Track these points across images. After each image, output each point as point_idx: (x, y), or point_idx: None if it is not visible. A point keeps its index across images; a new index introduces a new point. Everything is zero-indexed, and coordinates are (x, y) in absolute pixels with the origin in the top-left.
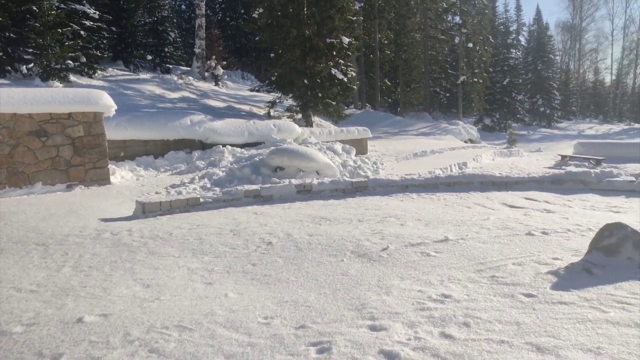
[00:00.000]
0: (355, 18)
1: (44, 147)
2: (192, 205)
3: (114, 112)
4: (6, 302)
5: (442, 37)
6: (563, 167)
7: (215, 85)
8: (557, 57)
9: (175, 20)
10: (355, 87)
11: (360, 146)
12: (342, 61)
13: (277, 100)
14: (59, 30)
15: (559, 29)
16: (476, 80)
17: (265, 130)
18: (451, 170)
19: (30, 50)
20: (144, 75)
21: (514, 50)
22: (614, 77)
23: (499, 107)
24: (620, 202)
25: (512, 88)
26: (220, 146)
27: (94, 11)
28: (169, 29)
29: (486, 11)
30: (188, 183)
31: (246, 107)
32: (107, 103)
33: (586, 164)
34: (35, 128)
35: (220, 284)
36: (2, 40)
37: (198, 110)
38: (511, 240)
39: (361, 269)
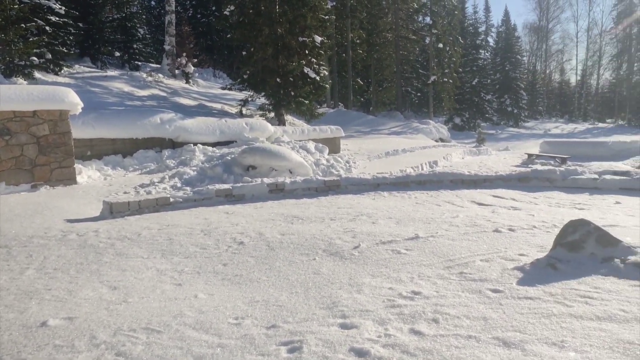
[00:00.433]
0: (327, 17)
1: (7, 146)
2: (161, 205)
3: (81, 110)
4: None
5: (413, 37)
6: (530, 166)
7: (186, 83)
8: (525, 58)
9: (144, 17)
10: (327, 86)
11: (333, 145)
12: (314, 60)
13: (250, 99)
14: (23, 25)
15: (527, 30)
16: (446, 80)
17: (237, 129)
18: (422, 169)
19: None
20: (112, 73)
21: (483, 51)
22: (578, 78)
23: (468, 107)
24: (584, 199)
25: (481, 88)
26: (192, 145)
27: (60, 6)
28: (138, 26)
29: (456, 12)
30: (158, 182)
31: (218, 106)
32: (73, 101)
33: (552, 162)
34: None
35: (190, 284)
36: None
37: (168, 109)
38: (479, 237)
39: (333, 268)
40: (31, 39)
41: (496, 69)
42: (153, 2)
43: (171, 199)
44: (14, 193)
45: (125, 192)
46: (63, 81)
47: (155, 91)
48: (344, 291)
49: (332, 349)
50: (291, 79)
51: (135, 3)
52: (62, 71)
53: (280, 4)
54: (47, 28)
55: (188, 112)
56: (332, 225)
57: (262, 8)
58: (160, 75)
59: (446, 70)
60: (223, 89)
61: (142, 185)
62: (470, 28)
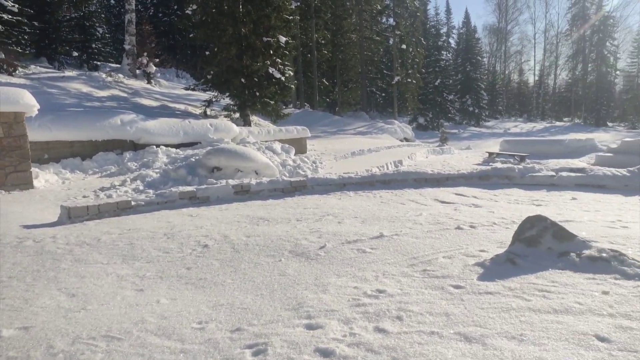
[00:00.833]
0: (291, 17)
1: None
2: (122, 208)
3: (37, 112)
4: None
5: (377, 38)
6: (490, 164)
7: (148, 83)
8: (485, 59)
9: (103, 16)
10: (293, 86)
11: (299, 145)
12: (279, 60)
13: (214, 99)
14: None
15: (486, 32)
16: (410, 80)
17: (201, 130)
18: (387, 169)
19: None
20: (69, 73)
21: (445, 52)
22: (536, 78)
23: (431, 107)
24: (542, 195)
25: (444, 88)
26: (154, 147)
27: (13, 4)
28: (97, 25)
29: (418, 14)
30: (119, 186)
31: (181, 106)
32: (28, 102)
33: (511, 160)
34: None
35: (152, 290)
36: None
37: (129, 110)
38: (442, 234)
39: (299, 268)
40: None
41: (458, 69)
42: (112, 1)
43: (133, 203)
44: None
45: (84, 196)
46: (18, 82)
47: (116, 92)
48: (310, 292)
49: (297, 350)
50: (256, 79)
51: (94, 2)
52: (17, 72)
53: (244, 4)
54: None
55: (150, 113)
56: (299, 226)
57: (226, 7)
58: (121, 75)
59: (410, 71)
60: (186, 89)
61: (102, 189)
62: (432, 30)
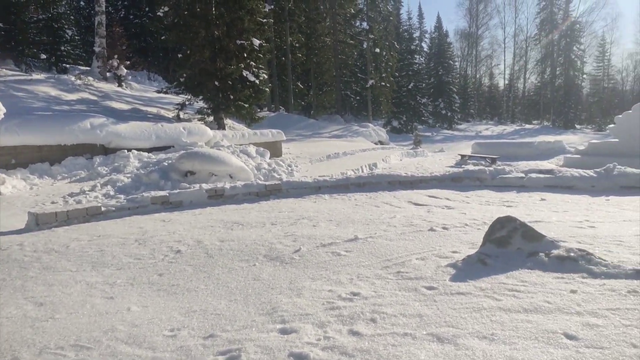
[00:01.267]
0: (265, 20)
1: None
2: (92, 214)
3: (3, 116)
4: None
5: (351, 41)
6: (462, 166)
7: (119, 86)
8: (457, 63)
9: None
10: (267, 89)
11: (274, 149)
12: (253, 63)
13: (187, 103)
14: None
15: (458, 36)
16: (384, 84)
17: (174, 134)
18: (362, 171)
19: None
20: (37, 76)
21: (418, 56)
22: (506, 82)
23: (405, 110)
24: (512, 196)
25: (417, 92)
26: (125, 151)
27: None
28: (66, 27)
29: (391, 18)
30: (89, 191)
31: (153, 110)
32: None
33: (483, 162)
34: None
35: (122, 297)
36: None
37: (99, 113)
38: (415, 236)
39: (273, 273)
40: None
41: (430, 73)
42: (82, 3)
43: (103, 208)
44: None
45: (53, 202)
46: None
47: (85, 95)
48: (284, 296)
49: (271, 355)
50: (230, 82)
51: (63, 3)
52: None
53: (217, 6)
54: None
55: (121, 116)
56: (273, 230)
57: (198, 10)
58: (91, 78)
59: (383, 75)
60: (159, 92)
61: (71, 195)
62: (405, 34)
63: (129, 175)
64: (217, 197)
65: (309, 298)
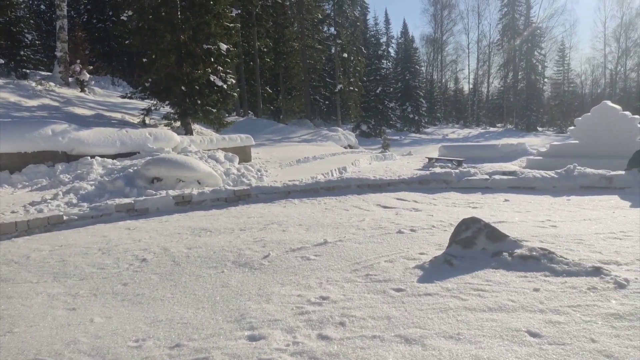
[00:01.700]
0: (232, 25)
1: None
2: (54, 223)
3: None
4: None
5: (319, 46)
6: (429, 169)
7: (81, 91)
8: (423, 68)
9: (32, 21)
10: (235, 94)
11: (243, 154)
12: (221, 68)
13: (153, 108)
14: None
15: (424, 42)
16: (352, 88)
17: (140, 140)
18: (332, 175)
19: None
20: None
21: (385, 61)
22: (471, 86)
23: (373, 114)
24: (477, 198)
25: (385, 96)
26: (89, 158)
27: None
28: (26, 31)
29: (358, 23)
30: (51, 199)
31: (118, 115)
32: None
33: (449, 165)
34: None
35: (85, 308)
36: None
37: (61, 119)
38: (384, 239)
39: (242, 279)
40: None
41: (397, 78)
42: (43, 6)
43: (65, 217)
44: None
45: (13, 212)
46: None
47: (47, 101)
48: (253, 302)
49: None
50: (197, 87)
51: (22, 6)
52: None
53: (183, 11)
54: None
55: (84, 122)
56: (242, 236)
57: (163, 14)
58: (52, 83)
59: (352, 79)
60: (123, 97)
61: (32, 204)
62: (372, 39)
63: (92, 182)
64: (185, 204)
65: (278, 304)
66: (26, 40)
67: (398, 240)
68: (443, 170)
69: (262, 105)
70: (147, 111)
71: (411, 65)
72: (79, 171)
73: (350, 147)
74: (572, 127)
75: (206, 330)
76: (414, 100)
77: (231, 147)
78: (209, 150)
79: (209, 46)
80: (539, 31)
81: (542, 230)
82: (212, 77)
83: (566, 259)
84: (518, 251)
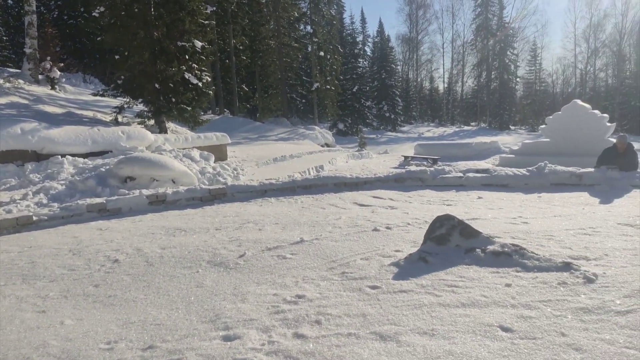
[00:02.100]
0: (207, 22)
1: None
2: (23, 224)
3: None
4: None
5: (296, 45)
6: (405, 167)
7: (52, 89)
8: (399, 67)
9: None
10: (211, 92)
11: (219, 152)
12: (195, 65)
13: (126, 106)
14: None
15: (399, 41)
16: (329, 87)
17: (112, 138)
18: (309, 174)
19: None
20: None
21: (361, 60)
22: (446, 85)
23: (350, 113)
24: (451, 195)
25: (361, 95)
26: (59, 157)
27: None
28: None
29: (334, 22)
30: (20, 200)
31: (89, 113)
32: None
33: (425, 163)
34: None
35: (55, 311)
36: None
37: (31, 118)
38: (360, 236)
39: (217, 279)
40: None
41: (374, 77)
42: (10, 1)
43: (35, 218)
44: None
45: None
46: None
47: (15, 99)
48: (228, 302)
49: None
50: (171, 84)
51: None
52: None
53: (156, 7)
54: None
55: (55, 120)
56: (217, 235)
57: (136, 10)
58: (21, 81)
59: (328, 78)
60: (95, 95)
61: (0, 204)
62: (349, 38)
63: (63, 182)
64: (159, 203)
65: (253, 303)
66: None
67: (374, 238)
68: (418, 168)
69: (238, 104)
70: (120, 109)
71: (387, 64)
72: (49, 170)
73: (327, 145)
74: (543, 126)
75: (180, 331)
76: (390, 99)
77: (207, 146)
78: (184, 148)
79: (183, 43)
80: (511, 31)
81: (514, 226)
82: (186, 75)
83: (537, 254)
84: (491, 247)
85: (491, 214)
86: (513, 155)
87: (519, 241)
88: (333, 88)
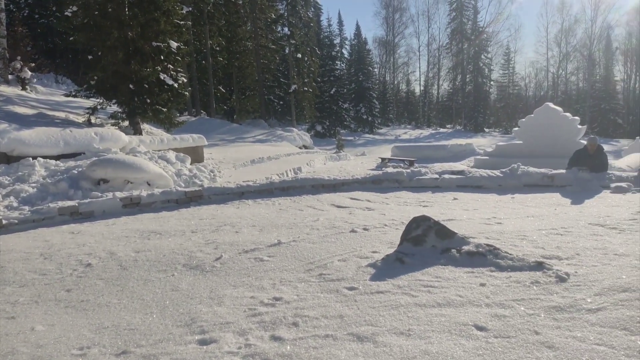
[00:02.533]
0: (183, 22)
1: None
2: None
3: None
4: None
5: (273, 46)
6: (382, 169)
7: (22, 89)
8: (376, 70)
9: None
10: (187, 93)
11: (196, 154)
12: (171, 66)
13: (100, 107)
14: None
15: (376, 44)
16: (307, 89)
17: (85, 140)
18: (287, 176)
19: None
20: None
21: (339, 62)
22: (422, 88)
23: (328, 115)
24: (428, 197)
25: (339, 97)
26: (30, 159)
27: None
28: None
29: (311, 24)
30: None
31: (62, 114)
32: None
33: (401, 164)
34: None
35: (25, 317)
36: None
37: (1, 119)
38: (337, 238)
39: (193, 282)
40: None
41: (351, 79)
42: None
43: (4, 221)
44: None
45: None
46: None
47: None
48: (204, 305)
49: None
50: (146, 85)
51: None
52: None
53: (130, 7)
54: None
55: (25, 122)
56: (194, 238)
57: (110, 10)
58: None
59: (306, 80)
60: (67, 95)
61: None
62: (326, 40)
63: (34, 185)
64: (133, 206)
65: (230, 306)
66: None
67: (351, 240)
68: (395, 170)
69: (215, 105)
70: (93, 110)
71: (364, 67)
72: (20, 173)
73: (305, 147)
74: (516, 128)
75: (155, 336)
76: (368, 101)
77: (183, 148)
78: (159, 150)
79: (158, 44)
80: (485, 35)
81: (488, 227)
82: (162, 76)
83: (511, 254)
84: (465, 248)
85: (466, 214)
86: (487, 157)
87: (493, 241)
88: (311, 90)
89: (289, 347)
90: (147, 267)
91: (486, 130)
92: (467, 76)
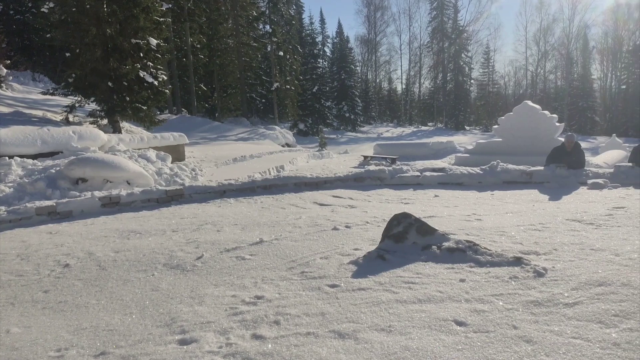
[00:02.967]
0: (163, 19)
1: None
2: None
3: None
4: None
5: (255, 44)
6: (365, 167)
7: None
8: (358, 68)
9: None
10: (167, 91)
11: (177, 153)
12: (151, 64)
13: (77, 105)
14: None
15: (358, 42)
16: (289, 87)
17: (63, 138)
18: (269, 174)
19: None
20: None
21: (321, 60)
22: (404, 86)
23: (310, 113)
24: (409, 194)
25: (321, 95)
26: (7, 158)
27: None
28: None
29: (293, 22)
30: None
31: (39, 113)
32: None
33: (384, 162)
34: None
35: (1, 319)
36: None
37: None
38: (320, 236)
39: (173, 282)
40: None
41: (334, 77)
42: None
43: None
44: None
45: None
46: None
47: None
48: (185, 305)
49: None
50: (125, 83)
51: None
52: None
53: (109, 3)
54: None
55: (1, 120)
56: (174, 237)
57: (88, 6)
58: None
59: (288, 78)
60: (45, 93)
61: None
62: (308, 38)
63: (10, 184)
64: (112, 205)
65: (211, 305)
66: None
67: (333, 237)
68: (377, 167)
69: (196, 103)
70: (71, 108)
71: (346, 65)
72: None
73: (288, 145)
74: (496, 126)
75: (134, 337)
76: (350, 99)
77: (163, 146)
78: (139, 149)
79: (137, 41)
80: (465, 34)
81: (468, 223)
82: (141, 73)
83: (490, 250)
84: (446, 244)
85: (447, 211)
86: (468, 155)
87: (473, 237)
88: (293, 88)
89: (270, 346)
90: (126, 267)
91: (467, 128)
92: (448, 74)
